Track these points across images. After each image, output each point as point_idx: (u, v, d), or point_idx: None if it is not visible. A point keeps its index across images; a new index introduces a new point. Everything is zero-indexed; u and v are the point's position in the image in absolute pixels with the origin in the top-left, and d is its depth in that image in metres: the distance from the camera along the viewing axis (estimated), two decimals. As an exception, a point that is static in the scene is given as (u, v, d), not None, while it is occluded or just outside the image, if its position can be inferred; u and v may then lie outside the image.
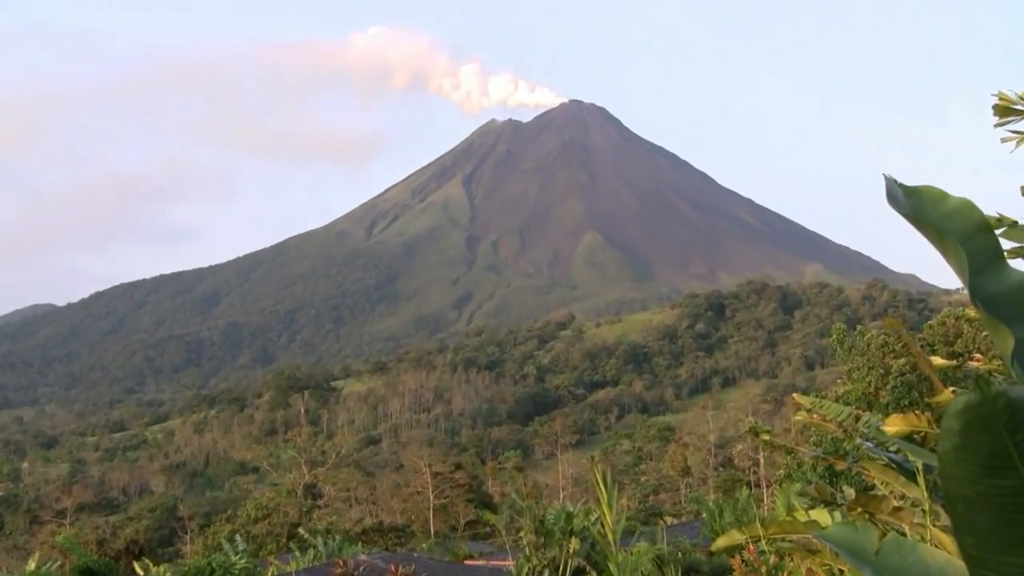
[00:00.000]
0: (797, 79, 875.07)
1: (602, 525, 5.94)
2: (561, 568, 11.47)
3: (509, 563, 11.97)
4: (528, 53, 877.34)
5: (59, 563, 19.06)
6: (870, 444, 2.60)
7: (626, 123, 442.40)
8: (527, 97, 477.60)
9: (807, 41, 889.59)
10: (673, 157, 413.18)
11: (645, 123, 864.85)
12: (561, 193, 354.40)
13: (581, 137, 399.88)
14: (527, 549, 11.77)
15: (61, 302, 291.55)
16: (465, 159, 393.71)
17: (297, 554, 18.65)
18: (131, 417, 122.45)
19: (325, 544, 18.38)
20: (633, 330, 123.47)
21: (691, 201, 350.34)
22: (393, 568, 8.37)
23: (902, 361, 19.95)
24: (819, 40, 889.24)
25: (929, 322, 22.34)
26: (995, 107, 2.21)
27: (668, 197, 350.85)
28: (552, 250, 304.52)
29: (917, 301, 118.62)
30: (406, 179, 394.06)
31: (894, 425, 2.26)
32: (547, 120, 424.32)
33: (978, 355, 2.46)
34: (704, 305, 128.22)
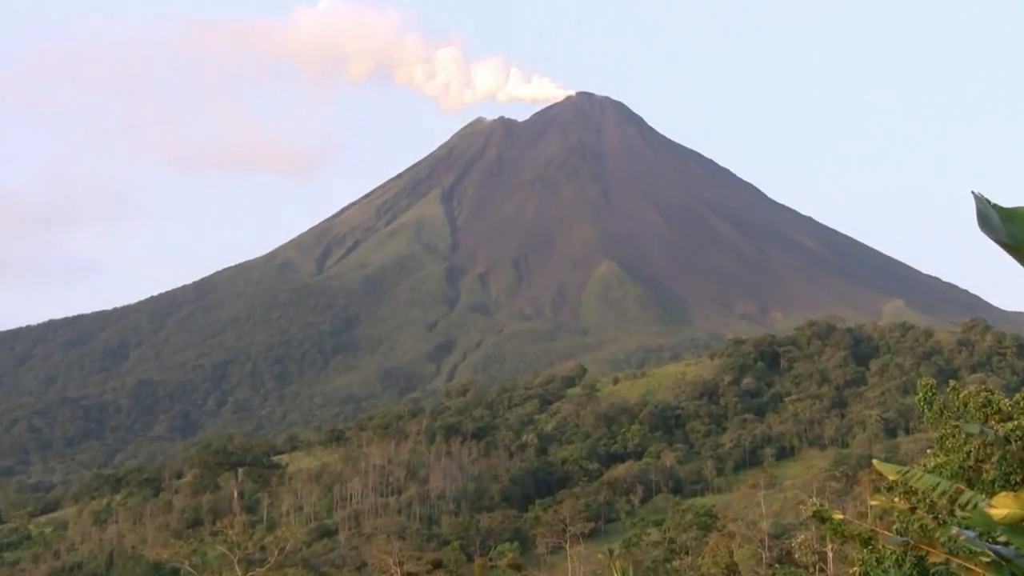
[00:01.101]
0: (876, 67, 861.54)
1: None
2: None
3: None
4: (523, 33, 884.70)
5: None
6: (970, 534, 2.50)
7: (650, 121, 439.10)
8: (522, 89, 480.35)
9: (888, 20, 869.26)
10: (710, 165, 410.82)
11: (674, 121, 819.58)
12: (567, 212, 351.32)
13: (592, 140, 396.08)
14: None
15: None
16: (444, 169, 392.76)
17: None
18: (9, 506, 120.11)
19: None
20: (662, 387, 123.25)
21: (735, 221, 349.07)
22: None
23: (1011, 425, 19.03)
24: (906, 21, 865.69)
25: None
26: None
27: (705, 216, 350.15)
28: (556, 285, 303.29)
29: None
30: (368, 195, 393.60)
31: (1003, 507, 2.15)
32: (548, 118, 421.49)
33: None
34: (753, 354, 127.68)
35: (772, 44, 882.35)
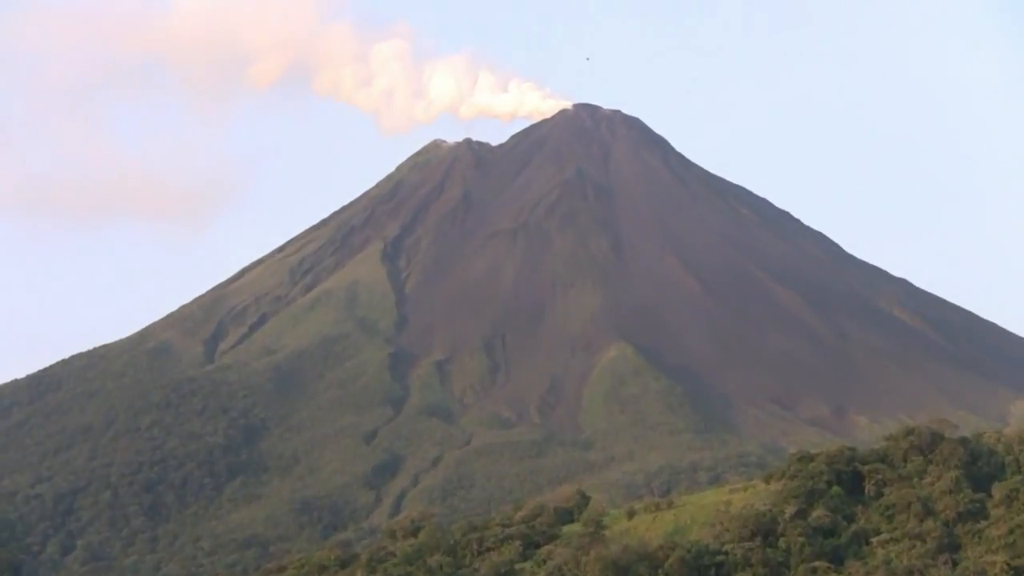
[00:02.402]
0: (1001, 80, 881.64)
1: None
2: None
3: None
4: (497, 21, 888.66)
5: None
6: None
7: (677, 145, 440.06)
8: (497, 100, 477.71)
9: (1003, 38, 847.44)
10: (764, 206, 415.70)
11: (712, 145, 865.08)
12: (562, 273, 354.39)
13: (597, 171, 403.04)
14: None
15: None
16: (387, 213, 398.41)
17: None
18: None
19: None
20: (696, 522, 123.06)
21: (799, 285, 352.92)
22: None
23: None
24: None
25: None
26: None
27: (756, 278, 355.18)
28: (547, 377, 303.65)
29: None
30: (279, 251, 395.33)
31: None
32: (535, 140, 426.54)
33: None
34: (826, 475, 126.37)
35: (854, 41, 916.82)
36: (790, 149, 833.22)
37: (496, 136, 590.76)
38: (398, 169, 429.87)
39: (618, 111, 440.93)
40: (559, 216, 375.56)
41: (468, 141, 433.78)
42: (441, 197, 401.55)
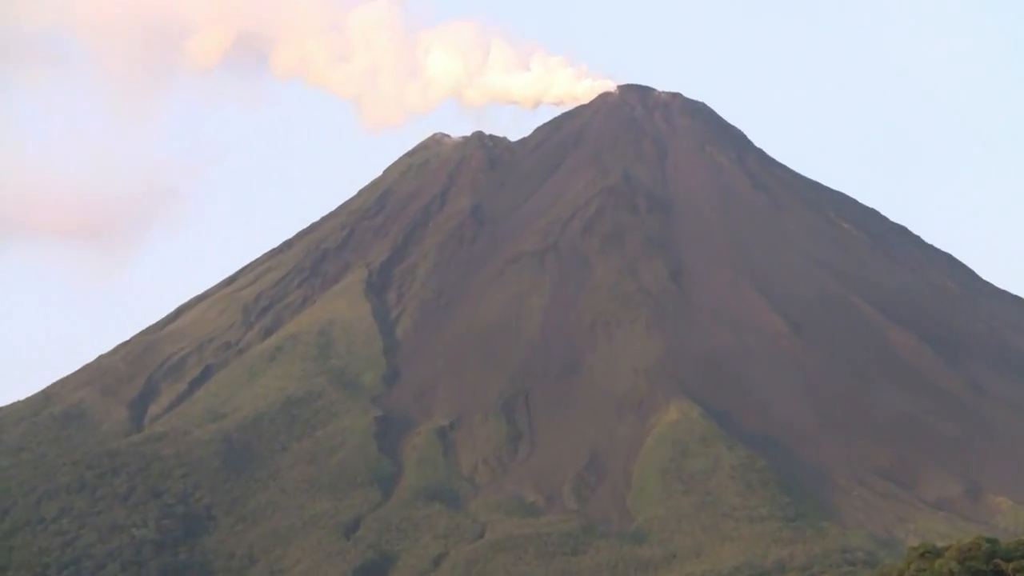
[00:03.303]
0: None
1: None
2: None
3: None
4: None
5: None
6: None
7: (757, 139, 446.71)
8: (516, 81, 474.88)
9: None
10: (874, 219, 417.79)
11: (802, 139, 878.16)
12: (605, 309, 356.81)
13: (651, 174, 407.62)
14: None
15: None
16: (372, 230, 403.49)
17: None
18: None
19: None
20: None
21: (917, 323, 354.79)
22: None
23: None
24: None
25: None
26: None
27: (864, 314, 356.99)
28: (586, 448, 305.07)
29: None
30: (230, 282, 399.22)
31: None
32: (567, 134, 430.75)
33: None
34: (958, 574, 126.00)
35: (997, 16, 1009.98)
36: (908, 145, 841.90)
37: (515, 129, 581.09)
38: (386, 173, 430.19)
39: (678, 95, 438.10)
40: (600, 235, 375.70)
41: (479, 136, 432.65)
42: (443, 210, 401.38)
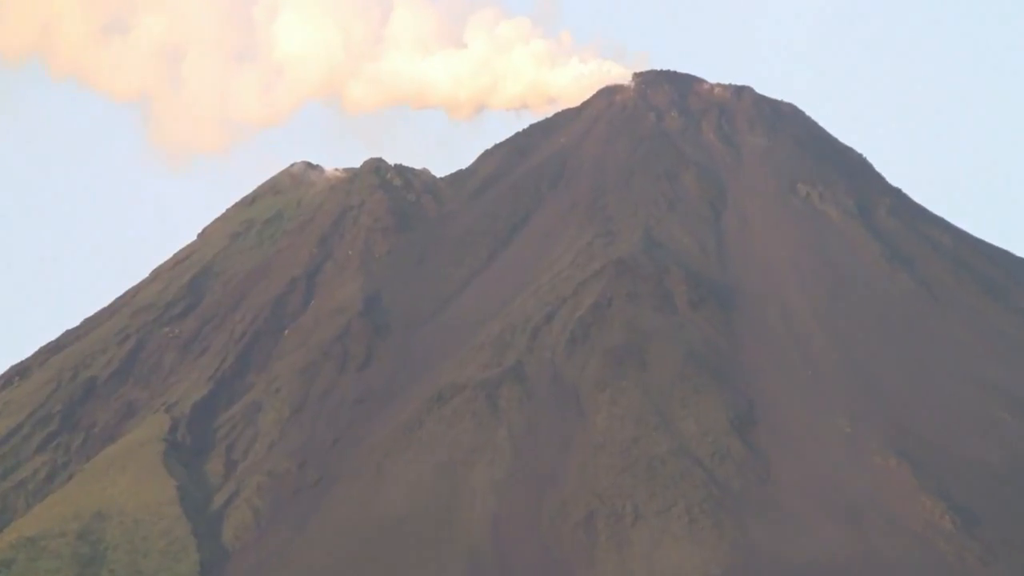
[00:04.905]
0: None
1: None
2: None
3: None
4: None
5: None
6: None
7: (899, 178, 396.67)
8: (443, 67, 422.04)
9: None
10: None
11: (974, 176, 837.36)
12: (611, 488, 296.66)
13: (693, 237, 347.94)
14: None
15: None
16: (176, 343, 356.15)
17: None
18: None
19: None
20: None
21: None
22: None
23: None
24: None
25: None
26: None
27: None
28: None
29: None
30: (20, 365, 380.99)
31: None
32: (544, 160, 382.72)
33: None
34: None
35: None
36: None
37: (443, 155, 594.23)
38: (206, 237, 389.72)
39: (746, 89, 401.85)
40: (602, 352, 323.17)
41: (376, 167, 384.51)
42: (311, 305, 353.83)
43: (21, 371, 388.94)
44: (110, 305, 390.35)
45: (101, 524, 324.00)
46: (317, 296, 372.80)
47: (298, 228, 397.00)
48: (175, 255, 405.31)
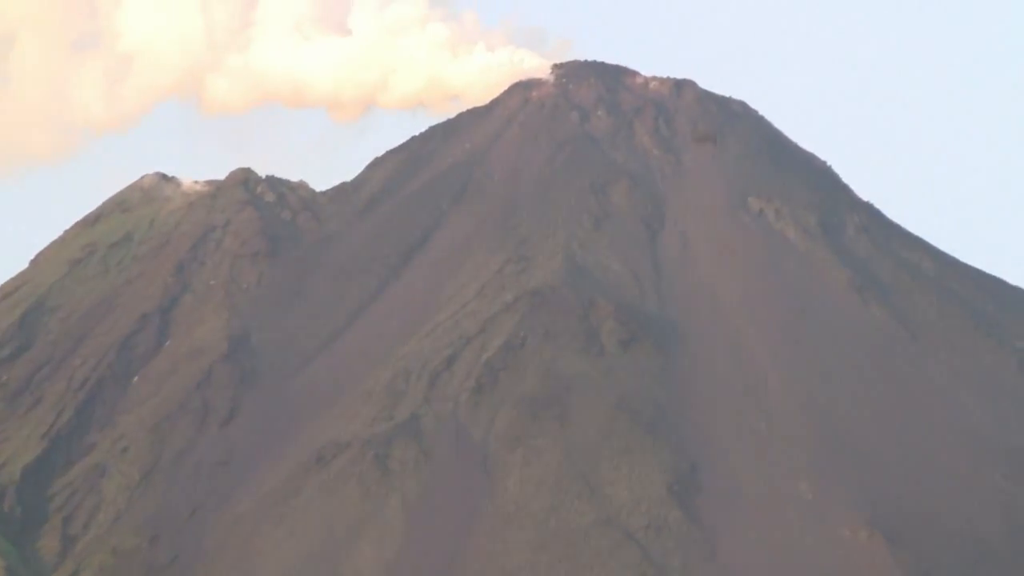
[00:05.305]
0: None
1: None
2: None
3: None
4: None
5: None
6: None
7: (867, 187, 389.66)
8: (322, 56, 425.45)
9: None
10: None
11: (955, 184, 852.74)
12: (524, 567, 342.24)
13: (625, 263, 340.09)
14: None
15: None
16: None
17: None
18: None
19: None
20: None
21: None
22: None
23: None
24: None
25: None
26: None
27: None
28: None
29: None
30: None
31: None
32: (445, 170, 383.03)
33: None
34: None
35: None
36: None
37: (322, 165, 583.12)
38: (38, 265, 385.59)
39: (688, 83, 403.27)
40: (513, 403, 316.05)
41: (245, 178, 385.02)
42: (164, 348, 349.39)
43: None
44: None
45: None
46: (173, 336, 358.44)
47: (150, 253, 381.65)
48: (1, 287, 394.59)
